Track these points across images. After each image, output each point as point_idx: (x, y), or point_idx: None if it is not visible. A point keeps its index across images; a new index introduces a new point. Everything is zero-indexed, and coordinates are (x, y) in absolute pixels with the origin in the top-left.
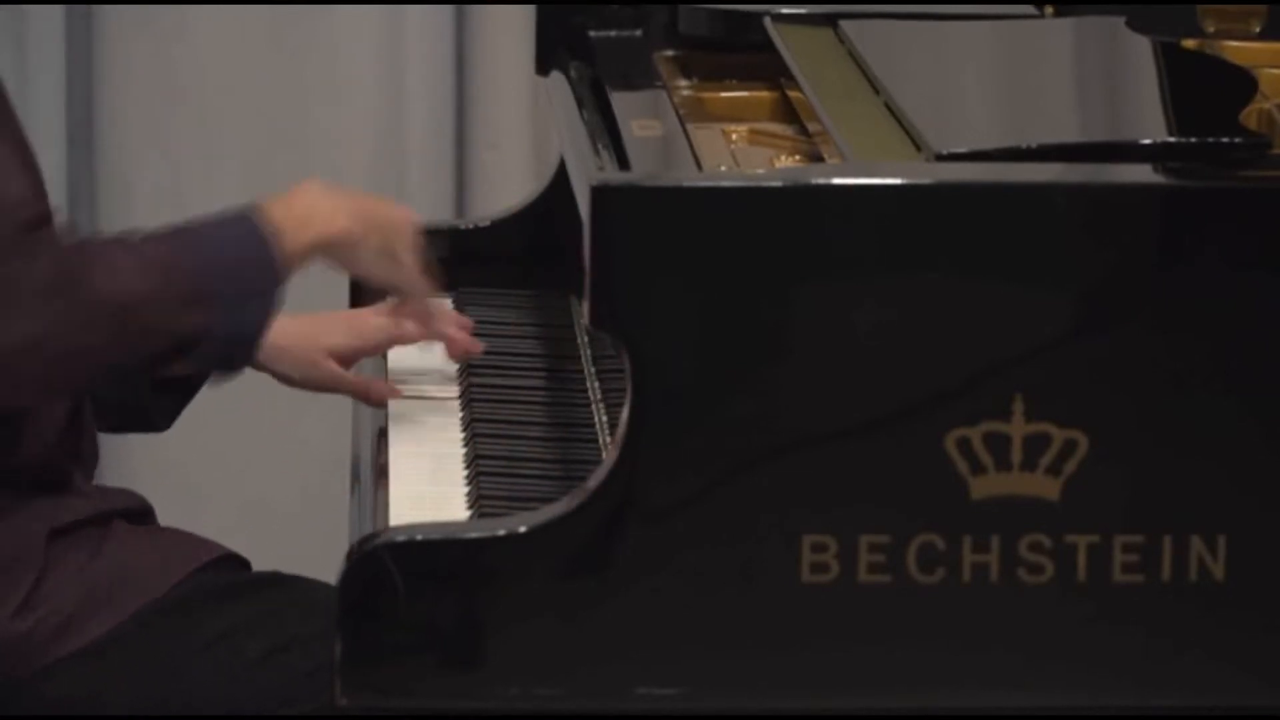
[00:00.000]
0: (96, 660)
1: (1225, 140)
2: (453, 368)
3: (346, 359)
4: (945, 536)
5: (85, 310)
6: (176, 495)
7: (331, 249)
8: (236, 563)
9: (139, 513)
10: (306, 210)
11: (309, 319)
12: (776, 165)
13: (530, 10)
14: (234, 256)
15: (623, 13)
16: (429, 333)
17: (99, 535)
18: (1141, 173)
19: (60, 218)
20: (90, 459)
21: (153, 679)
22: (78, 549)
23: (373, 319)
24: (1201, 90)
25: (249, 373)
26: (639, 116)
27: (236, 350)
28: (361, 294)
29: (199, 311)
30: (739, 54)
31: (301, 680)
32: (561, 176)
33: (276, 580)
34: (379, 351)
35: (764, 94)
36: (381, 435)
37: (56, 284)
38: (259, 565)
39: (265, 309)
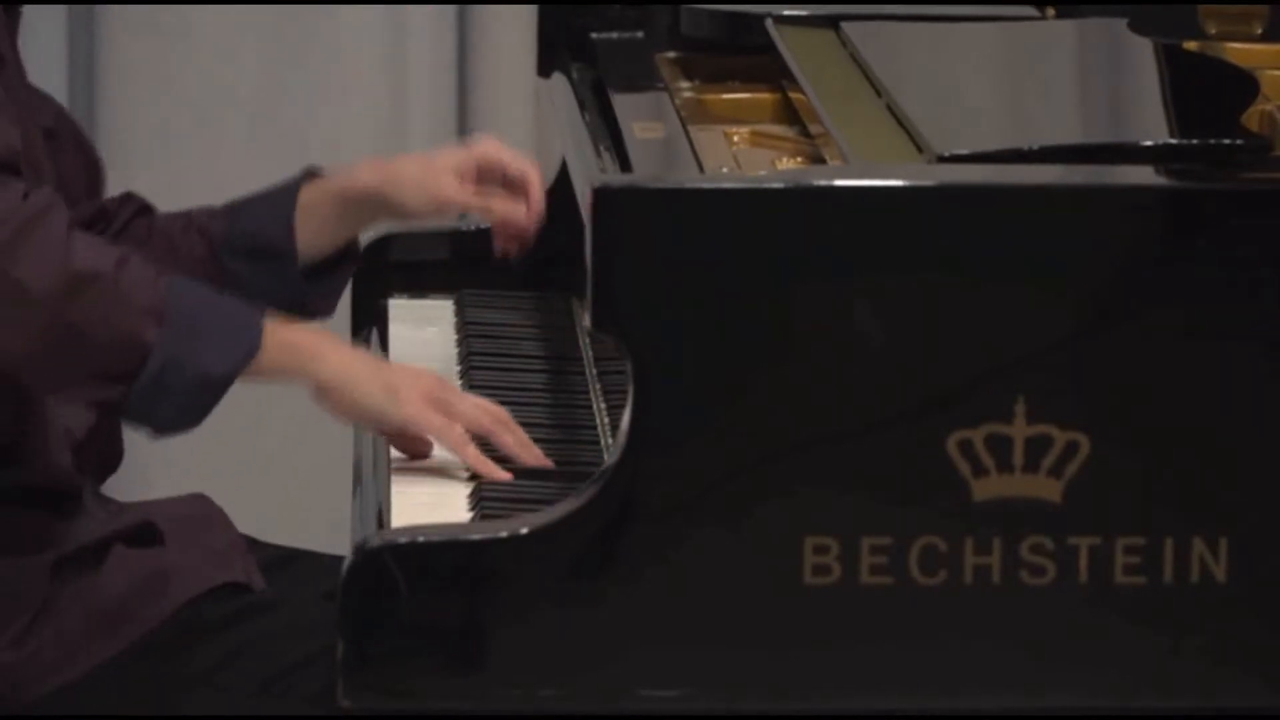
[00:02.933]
0: (91, 692)
1: (1227, 142)
2: (454, 367)
3: (469, 176)
4: (947, 538)
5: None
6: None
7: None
8: (235, 588)
9: (142, 534)
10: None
11: (419, 156)
12: (778, 167)
13: (532, 12)
14: (217, 301)
15: (624, 14)
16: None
17: (98, 563)
18: (1143, 174)
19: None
20: (110, 466)
21: (150, 710)
22: (77, 578)
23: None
24: (1203, 92)
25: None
26: (641, 118)
27: (182, 389)
28: (362, 306)
29: (150, 320)
30: (741, 56)
31: (300, 708)
32: (563, 178)
33: (272, 604)
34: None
35: (766, 96)
36: (383, 436)
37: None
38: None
39: (228, 359)
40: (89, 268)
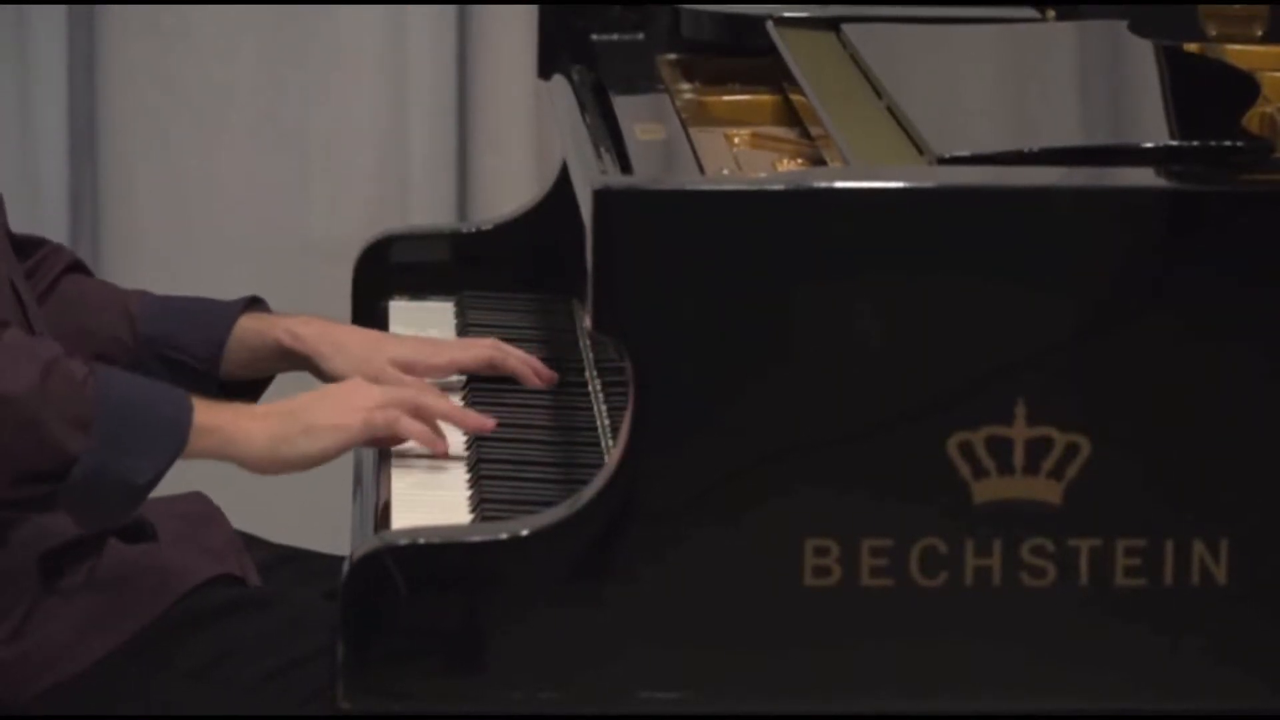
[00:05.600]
0: (88, 689)
1: (1227, 144)
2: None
3: (406, 371)
4: (948, 540)
5: None
6: None
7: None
8: (230, 580)
9: (138, 530)
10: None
11: (373, 331)
12: (779, 169)
13: (532, 12)
14: (143, 404)
15: (625, 16)
16: (502, 366)
17: (92, 557)
18: (1143, 176)
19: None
20: None
21: (146, 707)
22: (70, 573)
23: (444, 341)
24: (1203, 94)
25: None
26: (641, 120)
27: (108, 494)
28: (363, 308)
29: (76, 432)
30: (741, 57)
31: (297, 706)
32: (564, 180)
33: (269, 600)
34: (442, 374)
35: (766, 97)
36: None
37: None
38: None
39: (152, 467)
40: (9, 390)
